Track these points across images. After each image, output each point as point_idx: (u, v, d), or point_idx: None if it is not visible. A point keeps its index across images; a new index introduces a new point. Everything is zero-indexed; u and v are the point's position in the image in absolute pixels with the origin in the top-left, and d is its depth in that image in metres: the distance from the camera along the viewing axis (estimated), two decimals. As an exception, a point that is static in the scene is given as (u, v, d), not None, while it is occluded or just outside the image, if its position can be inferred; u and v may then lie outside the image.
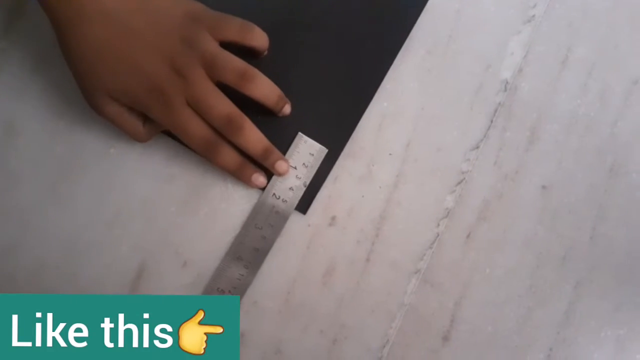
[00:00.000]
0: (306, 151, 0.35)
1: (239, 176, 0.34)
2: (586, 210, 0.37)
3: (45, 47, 0.35)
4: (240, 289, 0.34)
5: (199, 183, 0.35)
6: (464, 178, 0.36)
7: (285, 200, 0.35)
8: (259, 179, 0.34)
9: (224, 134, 0.32)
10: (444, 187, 0.36)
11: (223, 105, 0.31)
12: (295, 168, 0.35)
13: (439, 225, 0.36)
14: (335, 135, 0.36)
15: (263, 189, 0.35)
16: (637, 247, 0.37)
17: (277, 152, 0.34)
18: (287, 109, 0.34)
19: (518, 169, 0.37)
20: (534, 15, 0.37)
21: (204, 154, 0.32)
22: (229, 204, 0.35)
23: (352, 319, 0.35)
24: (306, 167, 0.35)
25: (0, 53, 0.35)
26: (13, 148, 0.35)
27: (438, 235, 0.36)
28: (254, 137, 0.32)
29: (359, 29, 0.36)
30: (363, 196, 0.36)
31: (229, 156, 0.33)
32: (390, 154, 0.36)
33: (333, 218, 0.36)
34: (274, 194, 0.35)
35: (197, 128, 0.31)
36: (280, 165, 0.34)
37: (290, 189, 0.35)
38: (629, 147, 0.37)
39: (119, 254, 0.34)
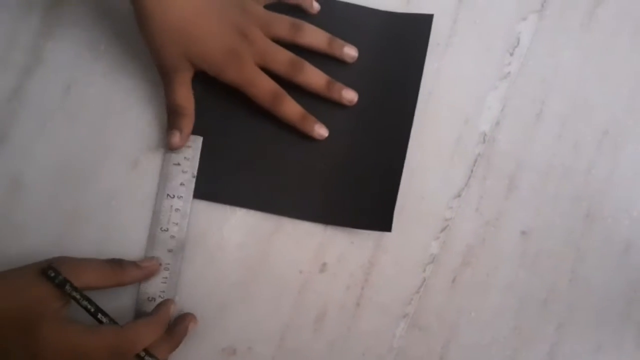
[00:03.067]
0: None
1: (303, 126, 0.36)
2: (565, 254, 0.39)
3: (52, 105, 0.37)
4: (168, 293, 0.36)
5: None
6: (448, 225, 0.38)
7: (181, 196, 0.36)
8: (322, 129, 0.37)
9: (289, 77, 0.36)
10: (428, 233, 0.38)
11: (284, 52, 0.36)
12: (178, 164, 0.37)
13: (425, 270, 0.38)
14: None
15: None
16: (614, 288, 0.39)
17: (338, 83, 0.37)
18: (348, 93, 0.37)
19: (498, 215, 0.39)
20: (509, 72, 0.40)
21: (271, 106, 0.36)
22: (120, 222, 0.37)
23: (343, 363, 0.37)
24: (188, 159, 0.37)
25: (10, 113, 0.37)
26: (18, 202, 0.36)
27: (424, 280, 0.38)
28: (316, 73, 0.36)
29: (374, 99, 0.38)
30: (352, 242, 0.38)
31: (294, 107, 0.36)
32: (377, 203, 0.38)
33: (324, 265, 0.38)
34: (167, 194, 0.36)
35: (265, 82, 0.35)
36: (347, 93, 0.37)
37: (182, 184, 0.36)
38: (603, 194, 0.39)
39: (120, 302, 0.36)
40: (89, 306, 0.31)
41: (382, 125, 0.38)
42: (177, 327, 0.34)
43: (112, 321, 0.32)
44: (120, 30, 0.38)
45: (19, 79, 0.37)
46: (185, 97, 0.36)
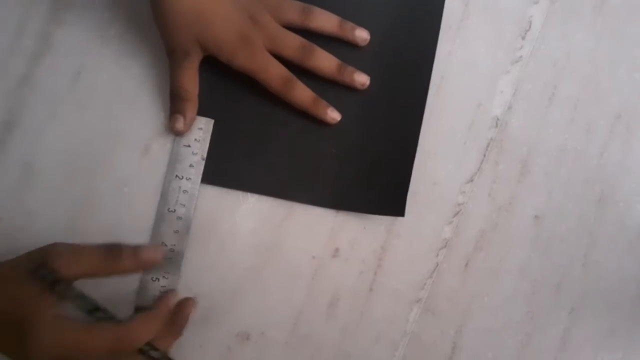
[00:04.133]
0: (194, 127, 0.37)
1: (315, 110, 0.36)
2: (577, 239, 0.39)
3: (62, 91, 0.37)
4: (172, 274, 0.36)
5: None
6: (460, 210, 0.38)
7: (190, 178, 0.36)
8: (334, 112, 0.37)
9: (300, 61, 0.36)
10: (441, 218, 0.38)
11: (294, 37, 0.36)
12: (189, 146, 0.36)
13: (438, 255, 0.38)
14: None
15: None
16: (627, 273, 0.39)
17: (350, 67, 0.37)
18: (360, 77, 0.37)
19: (511, 200, 0.39)
20: (521, 56, 0.40)
21: (281, 91, 0.35)
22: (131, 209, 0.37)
23: (357, 348, 0.37)
24: (198, 141, 0.36)
25: (21, 99, 0.37)
26: (29, 188, 0.36)
27: (437, 265, 0.38)
28: (327, 57, 0.36)
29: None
30: (365, 228, 0.38)
31: (305, 92, 0.36)
32: (389, 188, 0.38)
33: (336, 250, 0.37)
34: (176, 175, 0.36)
35: (276, 67, 0.35)
36: (359, 77, 0.37)
37: (191, 165, 0.36)
38: (616, 178, 0.39)
39: (123, 283, 0.36)
40: (85, 304, 0.30)
41: (395, 109, 0.38)
42: (178, 316, 0.34)
43: (111, 316, 0.31)
44: (131, 15, 0.38)
45: (28, 65, 0.37)
46: (192, 81, 0.36)
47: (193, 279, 0.36)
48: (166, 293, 0.35)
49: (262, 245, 0.37)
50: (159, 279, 0.35)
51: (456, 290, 0.38)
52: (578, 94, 0.40)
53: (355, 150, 0.37)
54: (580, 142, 0.39)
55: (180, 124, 0.35)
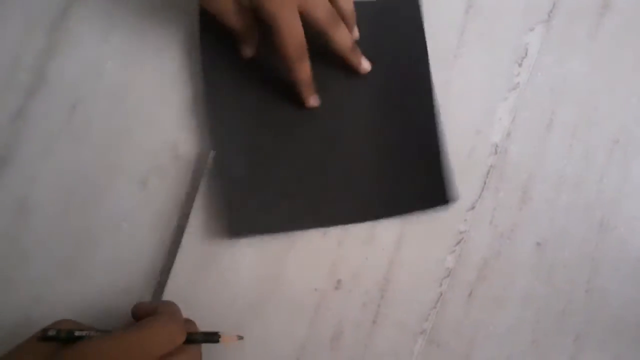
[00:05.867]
0: None
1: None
2: (580, 265, 0.39)
3: (57, 125, 0.36)
4: None
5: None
6: (463, 238, 0.38)
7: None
8: (366, 62, 0.38)
9: (325, 28, 0.35)
10: (444, 247, 0.38)
11: (326, 3, 0.35)
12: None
13: (441, 284, 0.37)
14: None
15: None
16: (630, 298, 0.39)
17: (359, 48, 0.38)
18: (366, 62, 0.38)
19: (513, 227, 0.38)
20: (518, 83, 0.40)
21: (294, 58, 0.35)
22: (130, 246, 0.36)
23: (362, 382, 0.36)
24: None
25: (15, 134, 0.36)
26: (23, 227, 0.35)
27: (441, 294, 0.37)
28: (347, 32, 0.36)
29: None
30: (367, 258, 0.37)
31: (308, 69, 0.36)
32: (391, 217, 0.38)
33: (338, 282, 0.37)
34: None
35: (299, 32, 0.34)
36: (365, 62, 0.38)
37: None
38: (616, 203, 0.39)
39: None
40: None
41: (406, 106, 0.38)
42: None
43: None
44: (127, 47, 0.37)
45: (23, 99, 0.36)
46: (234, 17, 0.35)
47: (192, 314, 0.36)
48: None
49: (263, 279, 0.36)
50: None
51: (460, 321, 0.37)
52: (576, 119, 0.40)
53: (379, 157, 0.37)
54: (580, 168, 0.39)
55: (247, 49, 0.37)
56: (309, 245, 0.37)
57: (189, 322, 0.33)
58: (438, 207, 0.37)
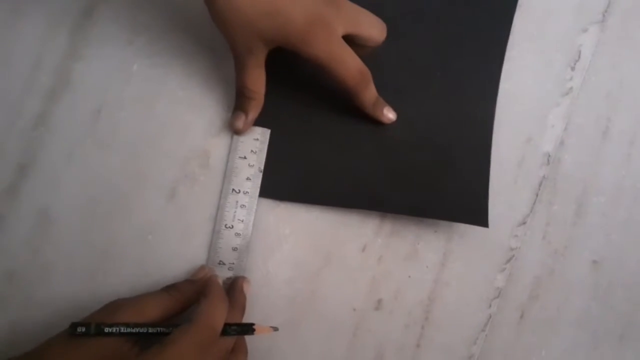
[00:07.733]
0: (250, 138, 0.34)
1: (375, 110, 0.34)
2: (639, 284, 0.36)
3: (81, 131, 0.34)
4: None
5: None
6: (514, 255, 0.35)
7: (247, 192, 0.34)
8: (390, 112, 0.34)
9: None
10: (493, 265, 0.35)
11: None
12: (245, 158, 0.34)
13: (490, 305, 0.35)
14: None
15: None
16: (697, 322, 0.35)
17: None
18: (390, 115, 0.35)
19: (567, 243, 0.36)
20: (571, 88, 0.37)
21: (356, 85, 0.32)
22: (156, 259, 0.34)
23: (405, 411, 0.33)
24: (255, 152, 0.34)
25: (36, 140, 0.34)
26: (45, 238, 0.33)
27: (490, 316, 0.34)
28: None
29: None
30: (410, 277, 0.35)
31: (374, 90, 0.33)
32: (435, 231, 0.35)
33: (379, 301, 0.34)
34: (232, 189, 0.34)
35: (354, 58, 0.31)
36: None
37: (248, 178, 0.34)
38: (678, 217, 0.36)
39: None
40: (140, 330, 0.28)
41: (465, 110, 0.35)
42: (236, 293, 0.32)
43: (170, 327, 0.28)
44: (155, 48, 0.35)
45: (45, 103, 0.34)
46: (256, 80, 0.33)
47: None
48: (204, 274, 0.33)
49: (299, 296, 0.34)
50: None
51: (511, 345, 0.34)
52: (634, 126, 0.37)
53: (426, 156, 0.35)
54: (639, 179, 0.36)
55: (240, 122, 0.33)
56: (346, 260, 0.34)
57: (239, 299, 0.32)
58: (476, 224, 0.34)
